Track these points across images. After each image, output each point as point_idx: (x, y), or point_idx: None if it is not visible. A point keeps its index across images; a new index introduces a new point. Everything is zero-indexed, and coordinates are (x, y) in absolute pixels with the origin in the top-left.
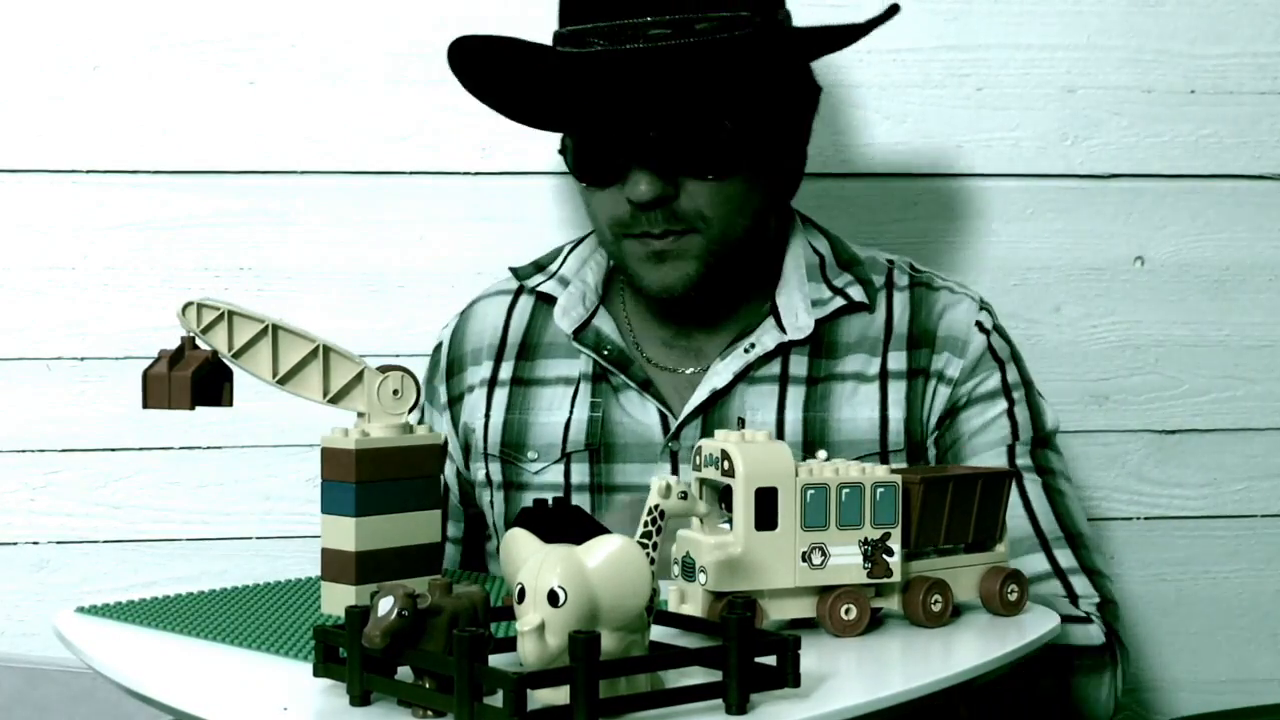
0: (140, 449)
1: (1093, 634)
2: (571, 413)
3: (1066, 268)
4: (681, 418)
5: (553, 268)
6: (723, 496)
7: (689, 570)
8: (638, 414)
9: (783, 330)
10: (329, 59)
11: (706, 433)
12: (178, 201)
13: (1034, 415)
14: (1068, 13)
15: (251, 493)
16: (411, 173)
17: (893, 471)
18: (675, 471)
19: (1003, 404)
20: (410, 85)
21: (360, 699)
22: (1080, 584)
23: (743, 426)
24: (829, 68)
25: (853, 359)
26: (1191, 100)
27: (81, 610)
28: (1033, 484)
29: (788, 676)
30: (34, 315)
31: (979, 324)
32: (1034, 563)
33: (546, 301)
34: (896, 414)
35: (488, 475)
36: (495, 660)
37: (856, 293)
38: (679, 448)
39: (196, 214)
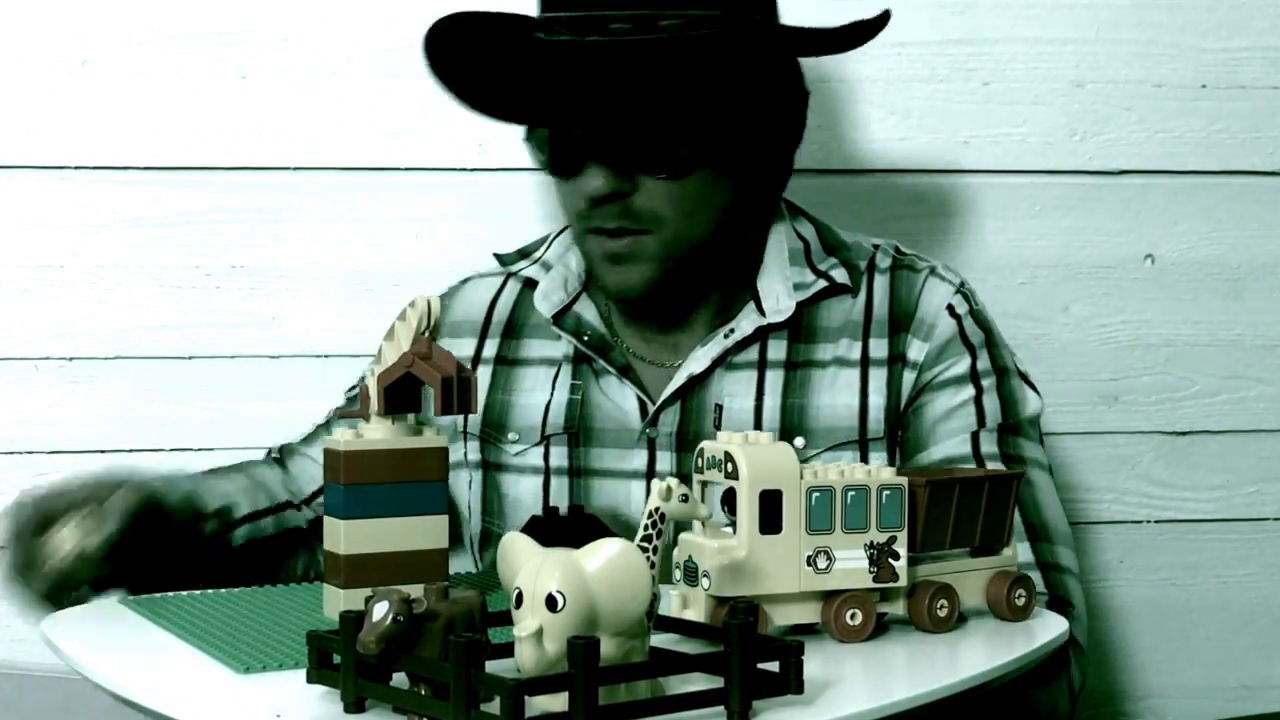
0: (131, 450)
1: None
2: (552, 394)
3: (1075, 266)
4: (659, 403)
5: (537, 254)
6: (726, 499)
7: (691, 574)
8: (616, 399)
9: (762, 314)
10: (322, 53)
11: (684, 420)
12: (168, 198)
13: (1007, 403)
14: (1076, 6)
15: None
16: (406, 169)
17: (899, 473)
18: (652, 459)
19: (969, 390)
20: (405, 80)
21: (355, 705)
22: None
23: (720, 413)
24: (832, 61)
25: (834, 344)
26: (1203, 95)
27: (124, 602)
28: None
29: (791, 683)
30: (21, 314)
31: (950, 307)
32: None
33: (530, 287)
34: (877, 400)
35: (465, 455)
36: (492, 666)
37: (840, 275)
38: (656, 434)
39: (188, 211)
